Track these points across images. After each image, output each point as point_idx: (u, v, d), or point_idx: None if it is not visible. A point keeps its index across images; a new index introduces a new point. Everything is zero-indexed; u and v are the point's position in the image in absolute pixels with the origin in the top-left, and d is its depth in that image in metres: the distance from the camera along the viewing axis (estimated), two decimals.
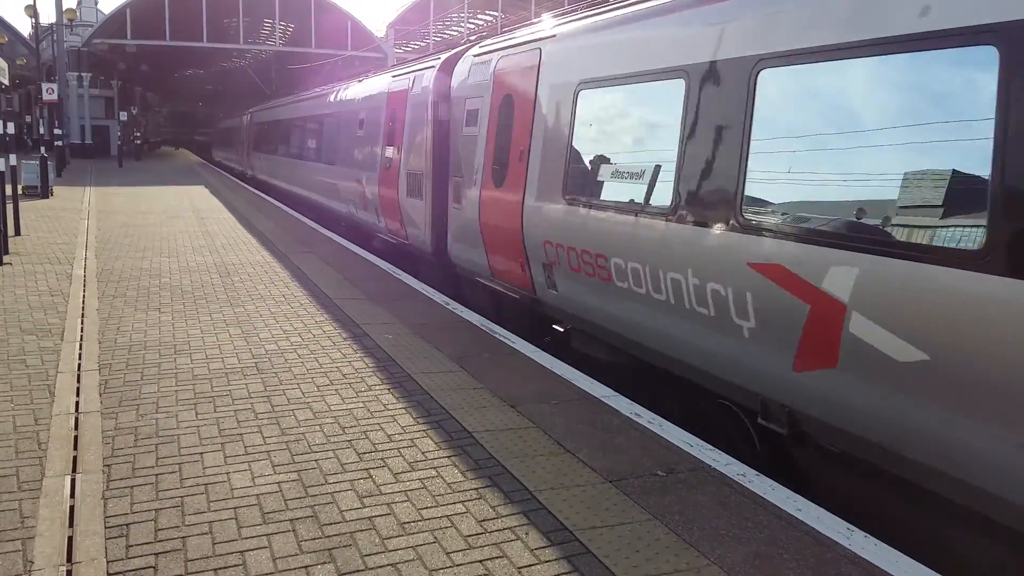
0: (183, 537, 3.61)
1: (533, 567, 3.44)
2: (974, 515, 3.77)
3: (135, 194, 23.46)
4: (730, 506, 4.08)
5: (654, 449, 4.83)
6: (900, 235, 3.95)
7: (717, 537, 3.75)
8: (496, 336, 7.51)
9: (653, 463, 4.62)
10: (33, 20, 31.21)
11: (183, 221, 16.61)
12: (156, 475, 4.26)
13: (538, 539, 3.68)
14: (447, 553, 3.54)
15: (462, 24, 56.15)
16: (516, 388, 5.92)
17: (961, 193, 3.73)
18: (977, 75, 3.66)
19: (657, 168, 5.89)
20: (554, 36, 7.75)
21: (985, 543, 3.92)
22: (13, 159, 14.09)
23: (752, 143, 4.93)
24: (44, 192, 20.77)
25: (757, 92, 4.92)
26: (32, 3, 30.25)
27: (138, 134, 53.48)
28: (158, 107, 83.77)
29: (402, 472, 4.40)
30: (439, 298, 9.26)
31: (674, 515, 3.96)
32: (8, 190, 12.99)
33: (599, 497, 4.14)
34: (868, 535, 3.80)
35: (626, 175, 6.31)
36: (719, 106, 5.24)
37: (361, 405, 5.48)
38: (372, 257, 12.46)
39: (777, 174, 4.87)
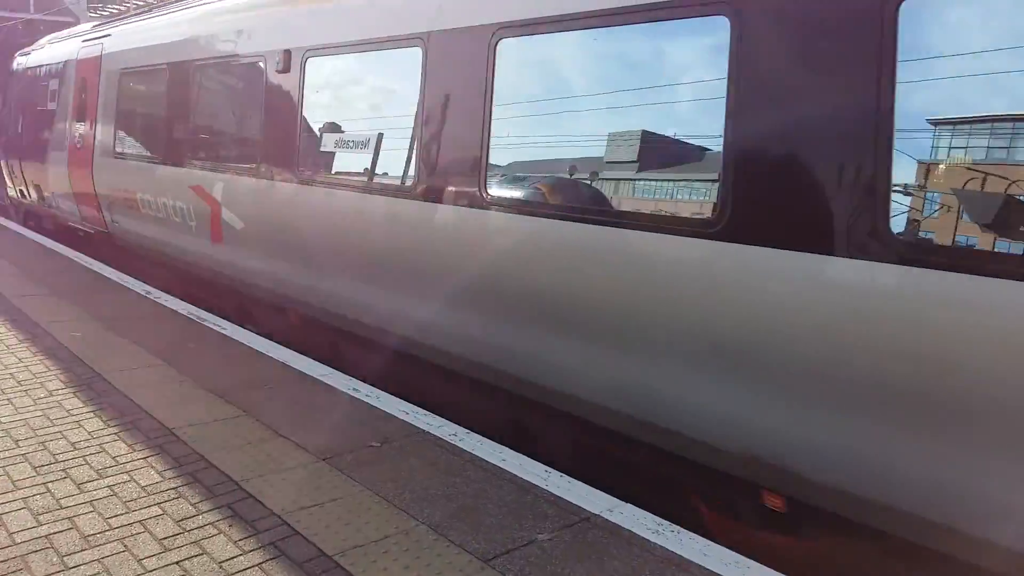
0: None
1: (236, 559, 3.28)
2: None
3: None
4: (440, 466, 4.20)
5: (371, 421, 4.83)
6: None
7: (427, 498, 3.84)
8: (204, 324, 7.03)
9: (369, 435, 4.62)
10: None
11: None
12: None
13: (243, 529, 3.52)
14: (139, 560, 3.26)
15: None
16: (225, 377, 5.59)
17: None
18: None
19: None
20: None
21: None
22: None
23: None
24: None
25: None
26: None
27: None
28: None
29: (87, 481, 3.96)
30: (139, 288, 8.47)
31: (387, 483, 4.00)
32: None
33: (311, 477, 4.05)
34: (564, 475, 4.13)
35: None
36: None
37: (40, 413, 4.84)
38: (63, 248, 11.06)
39: None
